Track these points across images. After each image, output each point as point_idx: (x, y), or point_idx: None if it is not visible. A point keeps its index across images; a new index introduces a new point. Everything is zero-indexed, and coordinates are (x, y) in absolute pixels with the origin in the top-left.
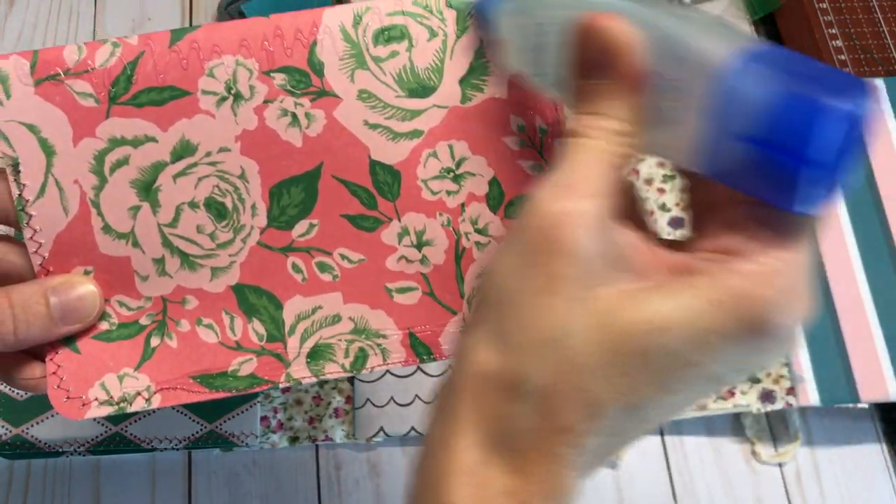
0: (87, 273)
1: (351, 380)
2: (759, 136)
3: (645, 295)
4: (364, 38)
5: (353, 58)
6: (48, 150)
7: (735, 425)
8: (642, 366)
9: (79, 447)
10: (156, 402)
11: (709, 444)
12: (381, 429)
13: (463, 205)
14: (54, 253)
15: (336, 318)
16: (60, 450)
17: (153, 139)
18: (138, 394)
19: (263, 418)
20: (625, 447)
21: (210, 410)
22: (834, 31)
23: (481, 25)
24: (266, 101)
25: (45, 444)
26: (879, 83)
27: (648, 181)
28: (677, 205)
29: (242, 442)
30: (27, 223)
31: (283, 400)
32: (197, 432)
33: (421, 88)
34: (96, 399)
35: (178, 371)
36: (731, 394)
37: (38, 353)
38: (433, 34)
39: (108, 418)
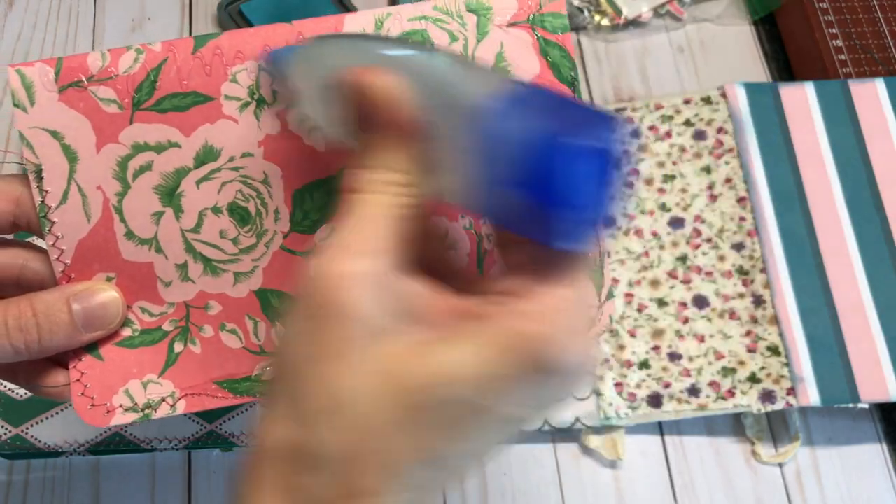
0: (109, 279)
1: None
2: (514, 178)
3: (433, 346)
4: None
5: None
6: (71, 156)
7: (735, 425)
8: (434, 419)
9: (78, 447)
10: (181, 408)
11: (709, 444)
12: None
13: None
14: (76, 259)
15: None
16: (60, 450)
17: (176, 145)
18: (163, 400)
19: None
20: (433, 497)
21: (210, 411)
22: (834, 30)
23: (275, 76)
24: (289, 106)
25: (45, 444)
26: (879, 83)
27: (648, 181)
28: (677, 205)
29: (242, 442)
30: (49, 230)
31: None
32: (197, 432)
33: None
34: (121, 406)
35: (203, 377)
36: (732, 394)
37: (61, 360)
38: (453, 38)
39: None
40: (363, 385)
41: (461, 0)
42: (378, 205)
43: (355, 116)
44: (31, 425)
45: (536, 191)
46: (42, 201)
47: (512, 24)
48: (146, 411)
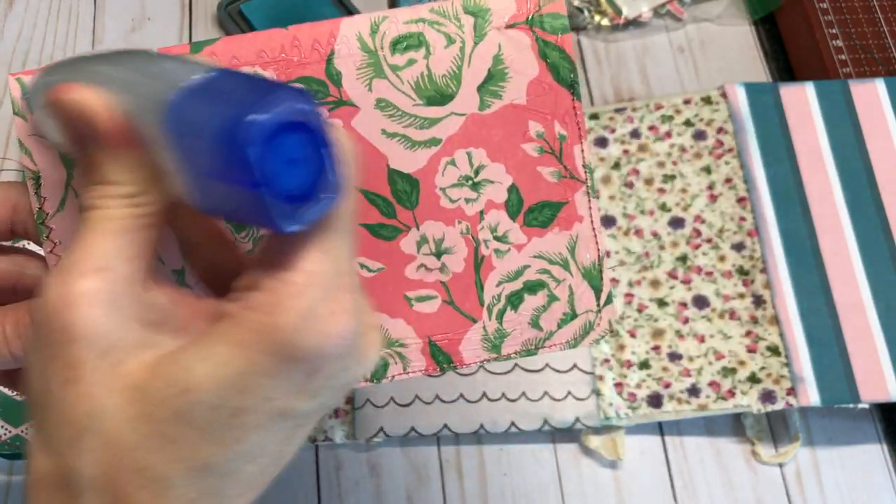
0: None
1: None
2: (216, 168)
3: (180, 354)
4: (381, 47)
5: (370, 67)
6: (68, 163)
7: (735, 425)
8: (187, 427)
9: None
10: None
11: (709, 444)
12: (381, 429)
13: (482, 212)
14: None
15: None
16: None
17: None
18: None
19: None
20: (240, 500)
21: None
22: (834, 30)
23: (30, 102)
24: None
25: None
26: (880, 83)
27: (648, 181)
28: (677, 205)
29: None
30: (47, 236)
31: None
32: None
33: (439, 96)
34: None
35: None
36: (732, 394)
37: None
38: (450, 41)
39: None
40: (106, 405)
41: (458, 2)
42: (104, 219)
43: (66, 136)
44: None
45: (240, 177)
46: (40, 208)
47: (510, 26)
48: None
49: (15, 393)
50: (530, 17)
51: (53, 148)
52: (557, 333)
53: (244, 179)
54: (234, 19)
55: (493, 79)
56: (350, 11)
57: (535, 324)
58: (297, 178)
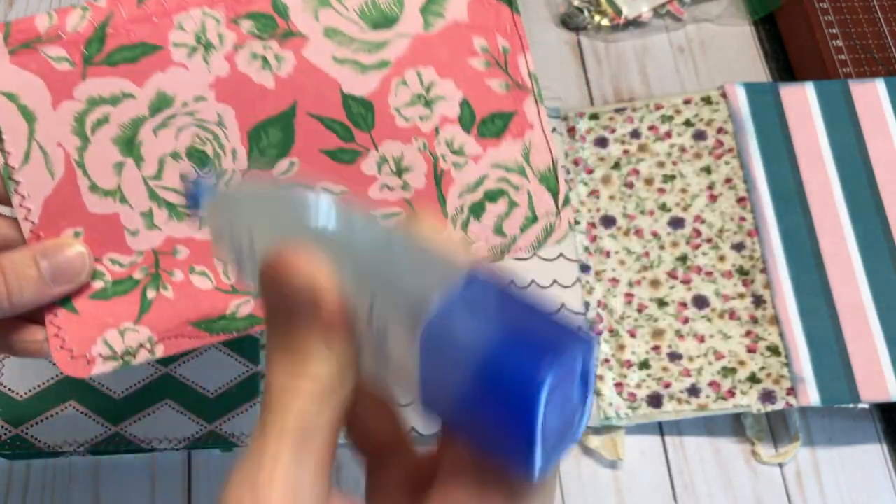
0: (77, 235)
1: None
2: (475, 395)
3: None
4: None
5: None
6: (29, 116)
7: (735, 425)
8: None
9: (79, 447)
10: (159, 352)
11: (709, 444)
12: None
13: (437, 128)
14: (44, 217)
15: None
16: (60, 450)
17: (130, 95)
18: (141, 346)
19: None
20: None
21: (210, 411)
22: (834, 30)
23: (193, 205)
24: (236, 48)
25: (45, 444)
26: (880, 83)
27: (648, 181)
28: (677, 205)
29: (242, 442)
30: (15, 190)
31: None
32: (197, 432)
33: (384, 20)
34: (100, 355)
35: (178, 319)
36: (732, 394)
37: (36, 318)
38: None
39: (108, 418)
40: None
41: None
42: (299, 430)
43: (270, 303)
44: (32, 425)
45: (509, 416)
46: (5, 163)
47: None
48: (126, 358)
49: (15, 388)
50: None
51: (16, 107)
52: (521, 237)
53: (514, 421)
54: None
55: None
56: None
57: (498, 230)
58: (559, 421)
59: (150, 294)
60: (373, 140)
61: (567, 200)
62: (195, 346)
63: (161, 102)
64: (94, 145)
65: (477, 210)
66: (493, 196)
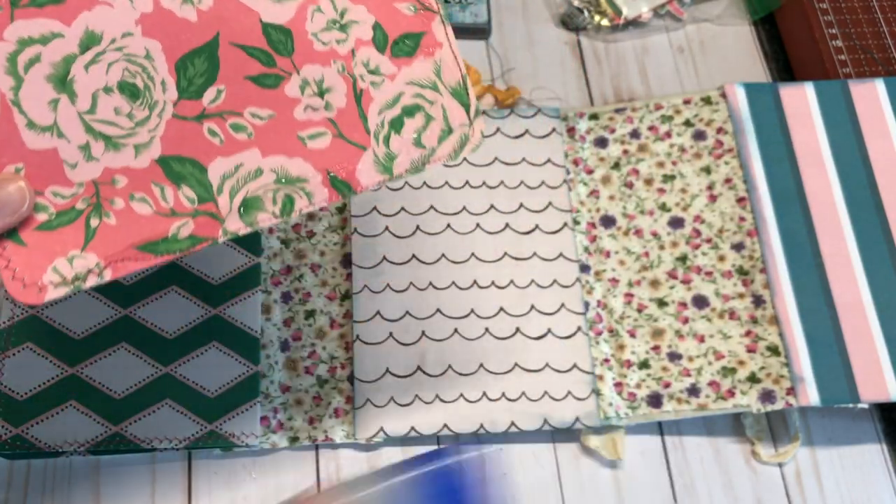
0: (17, 171)
1: (351, 380)
2: None
3: None
4: None
5: None
6: (17, 76)
7: (735, 425)
8: None
9: (79, 447)
10: (108, 276)
11: (709, 444)
12: (381, 429)
13: (353, 50)
14: None
15: (258, 172)
16: (60, 450)
17: (60, 35)
18: (90, 271)
19: (263, 418)
20: None
21: (210, 411)
22: (834, 31)
23: None
24: None
25: (45, 444)
26: (879, 83)
27: (648, 181)
28: (677, 205)
29: (242, 442)
30: None
31: (283, 400)
32: (197, 432)
33: None
34: (51, 282)
35: (123, 244)
36: (731, 394)
37: None
38: None
39: (108, 418)
40: None
41: None
42: None
43: None
44: (32, 425)
45: None
46: None
47: None
48: (76, 283)
49: (15, 388)
50: None
51: None
52: (439, 148)
53: None
54: None
55: None
56: None
57: (418, 143)
58: None
59: (94, 222)
60: (294, 64)
61: (478, 112)
62: (141, 268)
63: (90, 40)
64: (28, 84)
65: (396, 125)
66: (410, 111)
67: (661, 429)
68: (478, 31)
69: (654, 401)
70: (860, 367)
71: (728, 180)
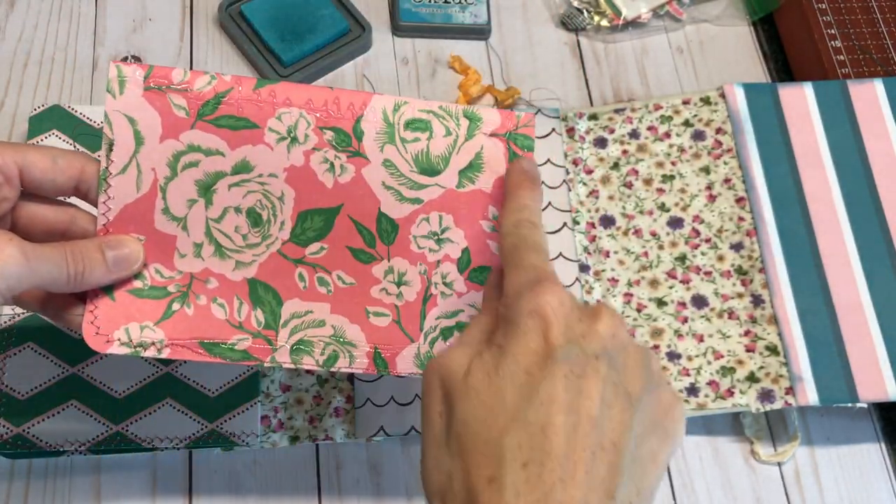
0: (140, 240)
1: (351, 379)
2: None
3: None
4: (398, 123)
5: (386, 134)
6: (139, 139)
7: (734, 425)
8: None
9: (79, 447)
10: (165, 354)
11: (708, 443)
12: (382, 428)
13: (439, 261)
14: (118, 219)
15: (321, 323)
16: (61, 449)
17: (221, 153)
18: (153, 344)
19: (264, 418)
20: None
21: (210, 410)
22: (833, 31)
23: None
24: (314, 149)
25: (46, 443)
26: (878, 83)
27: (647, 181)
28: (676, 205)
29: (243, 441)
30: (105, 190)
31: (283, 399)
32: (197, 432)
33: (430, 170)
34: (119, 339)
35: (189, 334)
36: (730, 393)
37: (82, 298)
38: (448, 133)
39: (109, 417)
40: None
41: (461, 107)
42: None
43: None
44: (33, 425)
45: None
46: (106, 167)
47: (493, 134)
48: (137, 349)
49: (15, 388)
50: (508, 132)
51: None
52: None
53: None
54: (234, 20)
55: (472, 168)
56: (351, 13)
57: None
58: None
59: (175, 306)
60: (388, 253)
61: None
62: (194, 359)
63: (242, 167)
64: (179, 180)
65: (446, 333)
66: (462, 327)
67: None
68: (478, 32)
69: None
70: (859, 366)
71: (727, 180)
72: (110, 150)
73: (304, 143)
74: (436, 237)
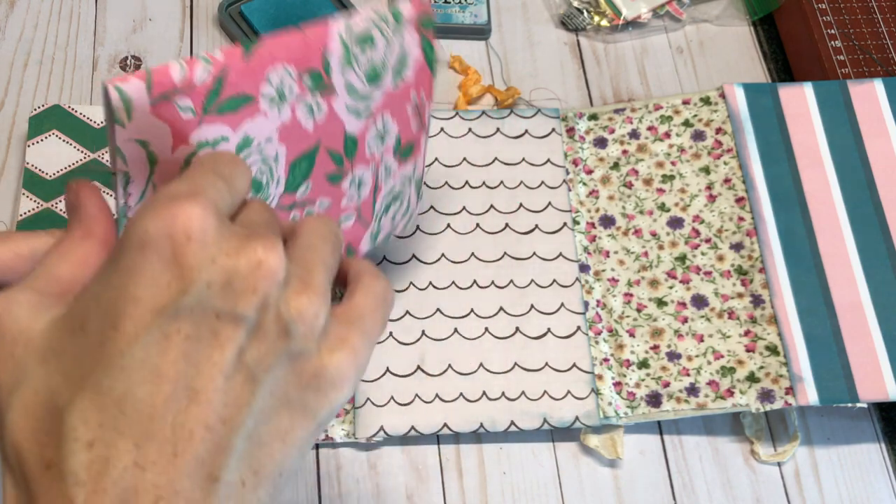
0: None
1: None
2: None
3: None
4: (350, 43)
5: (343, 58)
6: (152, 160)
7: (734, 425)
8: None
9: None
10: None
11: (708, 443)
12: (382, 428)
13: (382, 155)
14: None
15: None
16: None
17: (226, 139)
18: None
19: None
20: None
21: None
22: (833, 31)
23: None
24: (297, 99)
25: None
26: (878, 83)
27: (647, 181)
28: (676, 205)
29: None
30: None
31: None
32: None
33: (376, 77)
34: None
35: None
36: (730, 393)
37: None
38: (383, 35)
39: None
40: None
41: (387, 9)
42: None
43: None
44: None
45: None
46: (125, 203)
47: (409, 24)
48: None
49: None
50: (417, 17)
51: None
52: (400, 224)
53: None
54: (234, 20)
55: (401, 64)
56: (347, 9)
57: (393, 220)
58: None
59: None
60: (352, 166)
61: (420, 196)
62: None
63: (244, 143)
64: None
65: (387, 208)
66: (396, 197)
67: (660, 428)
68: (478, 32)
69: (654, 400)
70: (859, 366)
71: (727, 180)
72: (127, 182)
73: (289, 97)
74: (380, 136)
